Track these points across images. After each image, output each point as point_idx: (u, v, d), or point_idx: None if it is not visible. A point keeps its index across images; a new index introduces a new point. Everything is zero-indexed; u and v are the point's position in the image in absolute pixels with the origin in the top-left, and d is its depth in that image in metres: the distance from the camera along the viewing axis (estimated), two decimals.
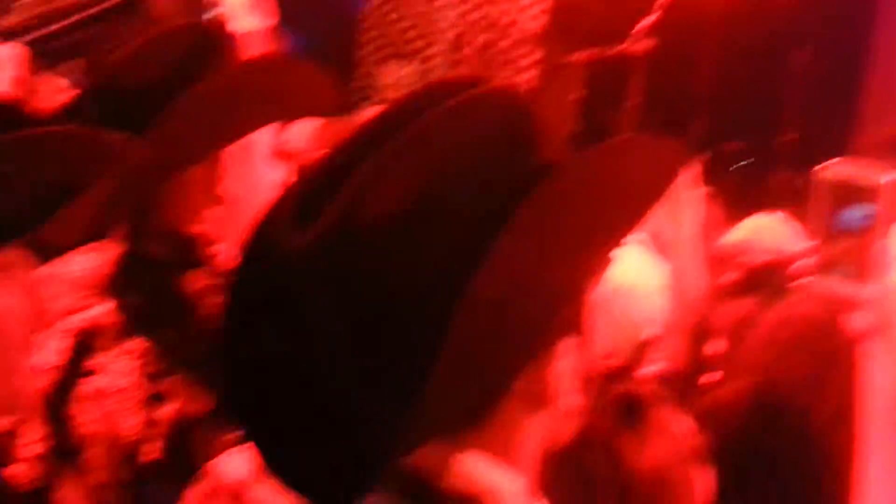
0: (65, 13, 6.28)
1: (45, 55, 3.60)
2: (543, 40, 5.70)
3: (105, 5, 6.36)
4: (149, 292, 1.22)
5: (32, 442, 1.28)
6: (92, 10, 6.25)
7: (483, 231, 0.61)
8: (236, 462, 0.81)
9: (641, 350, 1.47)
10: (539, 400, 0.72)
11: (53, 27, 6.03)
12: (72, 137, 0.77)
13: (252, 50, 2.98)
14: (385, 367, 0.64)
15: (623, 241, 0.71)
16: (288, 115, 1.65)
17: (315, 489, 0.67)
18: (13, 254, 0.76)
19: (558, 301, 0.66)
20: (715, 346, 1.70)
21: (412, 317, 0.63)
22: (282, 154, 2.01)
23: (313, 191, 0.66)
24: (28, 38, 4.56)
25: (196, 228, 1.24)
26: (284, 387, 0.69)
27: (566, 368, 0.72)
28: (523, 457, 0.75)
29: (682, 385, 1.44)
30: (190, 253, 1.24)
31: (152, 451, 1.14)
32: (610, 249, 0.71)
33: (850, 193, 1.93)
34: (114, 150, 0.80)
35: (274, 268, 0.67)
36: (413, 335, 0.62)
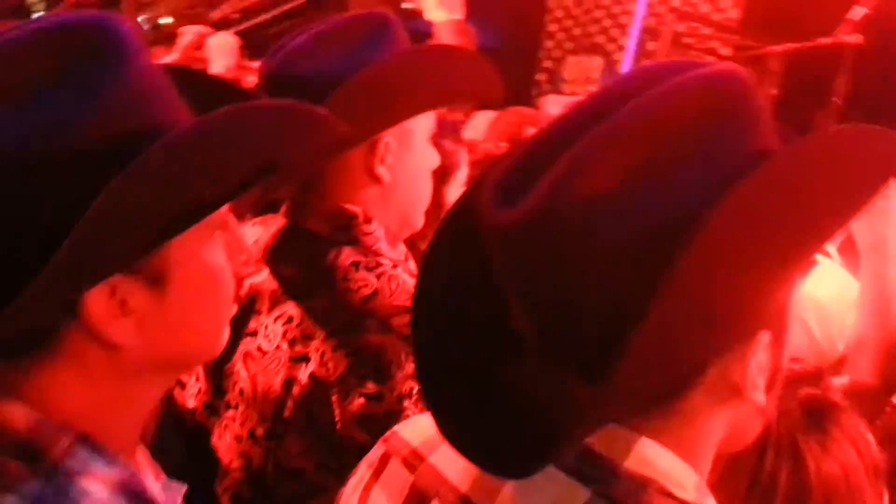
0: (268, 6, 6.69)
1: (251, 45, 3.85)
2: (738, 32, 5.47)
3: None
4: (303, 263, 1.28)
5: (197, 393, 1.38)
6: (293, 4, 6.62)
7: (689, 216, 0.60)
8: (414, 429, 0.84)
9: (830, 362, 1.41)
10: (728, 394, 0.70)
11: (258, 19, 6.44)
12: (284, 110, 0.81)
13: (442, 40, 3.06)
14: (576, 345, 0.64)
15: (832, 238, 0.68)
16: (449, 101, 1.68)
17: (493, 460, 0.68)
18: (226, 214, 0.81)
19: (757, 294, 0.64)
20: None
21: (609, 297, 0.62)
22: (458, 143, 2.05)
23: (519, 170, 0.67)
24: (236, 28, 4.89)
25: (353, 207, 1.29)
26: (473, 359, 0.71)
27: (758, 365, 0.69)
28: (702, 450, 0.73)
29: (870, 401, 1.34)
30: (345, 230, 1.28)
31: (287, 409, 1.20)
32: (817, 246, 0.68)
33: None
34: (322, 124, 0.83)
35: (477, 243, 0.68)
36: (607, 315, 0.62)
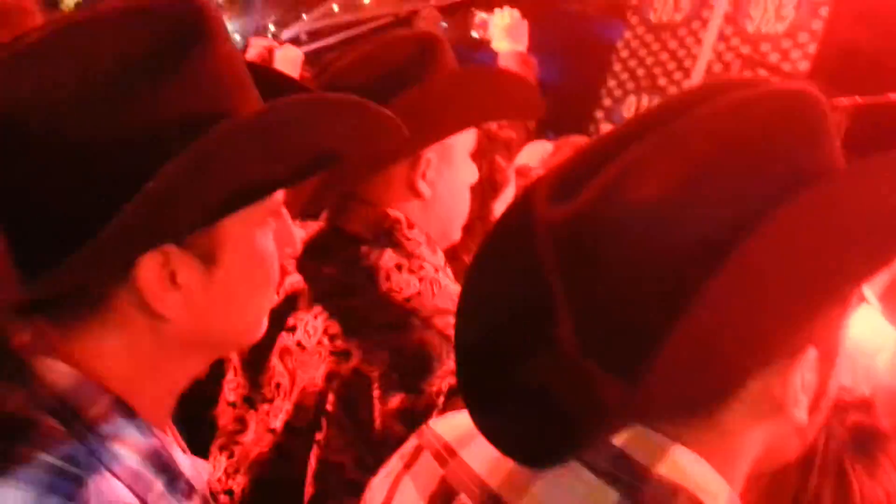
0: (335, 31, 6.84)
1: (316, 64, 3.94)
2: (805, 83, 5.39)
3: (372, 25, 6.85)
4: (344, 263, 1.29)
5: (235, 387, 1.39)
6: (360, 29, 6.76)
7: (736, 228, 0.60)
8: (448, 424, 0.83)
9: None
10: (769, 410, 0.69)
11: (325, 42, 6.58)
12: (350, 103, 0.83)
13: (515, 67, 3.10)
14: (611, 343, 0.64)
15: (884, 268, 0.66)
16: (491, 119, 1.70)
17: (521, 449, 0.69)
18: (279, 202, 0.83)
19: (801, 313, 0.63)
20: None
21: (647, 300, 0.62)
22: (509, 160, 2.06)
23: (576, 170, 0.67)
24: (304, 49, 5.01)
25: (395, 213, 1.31)
26: (511, 350, 0.71)
27: (803, 383, 0.68)
28: (738, 464, 0.71)
29: None
30: (387, 234, 1.30)
31: (329, 403, 1.20)
32: (867, 274, 0.66)
33: None
34: (386, 122, 0.86)
35: (528, 237, 0.69)
36: (644, 317, 0.62)
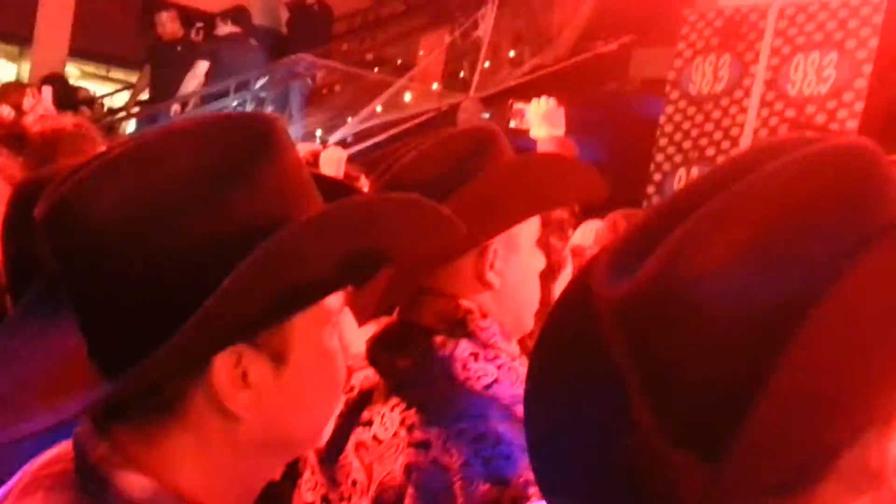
0: (380, 129, 7.04)
1: (363, 163, 4.05)
2: None
3: (416, 122, 7.04)
4: (419, 355, 1.29)
5: (313, 487, 1.38)
6: (403, 127, 6.94)
7: (807, 294, 0.57)
8: None
9: None
10: (866, 484, 0.64)
11: (370, 141, 6.76)
12: (409, 203, 0.87)
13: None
14: (691, 424, 0.62)
15: None
16: (555, 206, 1.71)
17: None
18: (340, 302, 0.85)
19: (887, 376, 0.60)
20: None
21: (723, 376, 0.60)
22: (564, 240, 2.06)
23: (634, 244, 0.66)
24: (350, 150, 5.15)
25: (468, 303, 1.31)
26: (587, 440, 0.70)
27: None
28: None
29: None
30: (461, 324, 1.29)
31: (408, 496, 1.18)
32: None
33: None
34: (444, 221, 0.88)
35: (590, 319, 0.68)
36: (722, 395, 0.60)
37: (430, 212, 0.87)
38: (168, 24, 6.99)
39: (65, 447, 0.80)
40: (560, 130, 3.31)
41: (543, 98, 3.35)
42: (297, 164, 0.81)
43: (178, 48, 7.05)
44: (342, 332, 0.87)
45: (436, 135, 1.36)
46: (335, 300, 0.83)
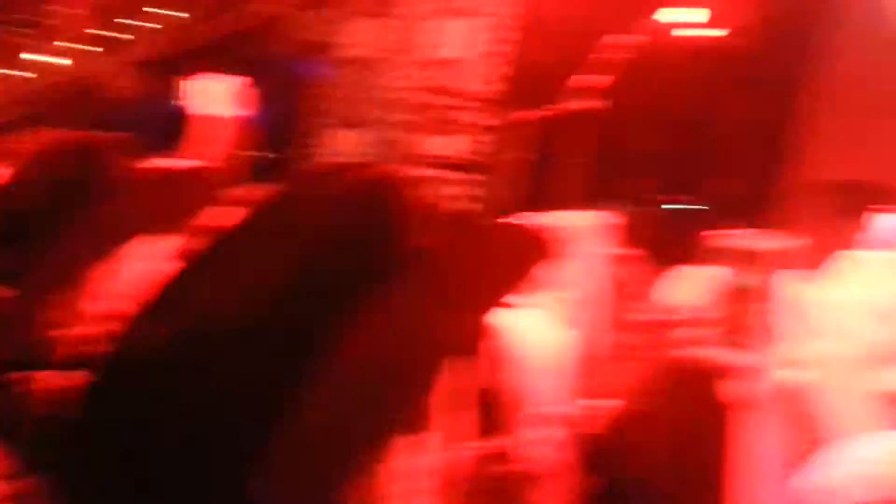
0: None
1: None
2: (498, 104, 5.78)
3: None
4: None
5: None
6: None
7: (334, 323, 0.62)
8: None
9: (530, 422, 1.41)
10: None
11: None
12: None
13: (220, 134, 3.00)
14: (220, 461, 0.62)
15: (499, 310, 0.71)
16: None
17: None
18: None
19: (401, 398, 0.65)
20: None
21: (250, 415, 0.62)
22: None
23: (177, 287, 0.68)
24: None
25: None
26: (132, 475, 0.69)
27: (412, 467, 0.69)
28: None
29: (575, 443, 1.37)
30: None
31: None
32: (465, 338, 0.70)
33: (738, 259, 2.03)
34: None
35: (132, 363, 0.68)
36: (248, 431, 0.61)
37: None
38: None
39: None
40: (243, 109, 3.17)
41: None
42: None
43: None
44: None
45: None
46: None
